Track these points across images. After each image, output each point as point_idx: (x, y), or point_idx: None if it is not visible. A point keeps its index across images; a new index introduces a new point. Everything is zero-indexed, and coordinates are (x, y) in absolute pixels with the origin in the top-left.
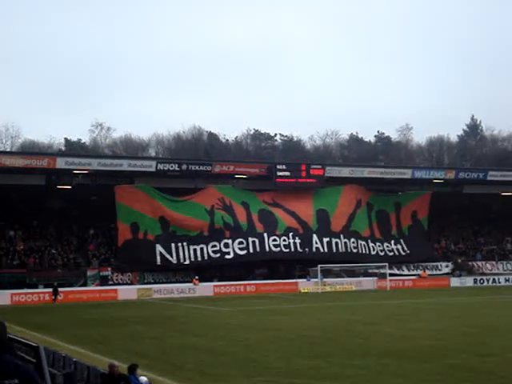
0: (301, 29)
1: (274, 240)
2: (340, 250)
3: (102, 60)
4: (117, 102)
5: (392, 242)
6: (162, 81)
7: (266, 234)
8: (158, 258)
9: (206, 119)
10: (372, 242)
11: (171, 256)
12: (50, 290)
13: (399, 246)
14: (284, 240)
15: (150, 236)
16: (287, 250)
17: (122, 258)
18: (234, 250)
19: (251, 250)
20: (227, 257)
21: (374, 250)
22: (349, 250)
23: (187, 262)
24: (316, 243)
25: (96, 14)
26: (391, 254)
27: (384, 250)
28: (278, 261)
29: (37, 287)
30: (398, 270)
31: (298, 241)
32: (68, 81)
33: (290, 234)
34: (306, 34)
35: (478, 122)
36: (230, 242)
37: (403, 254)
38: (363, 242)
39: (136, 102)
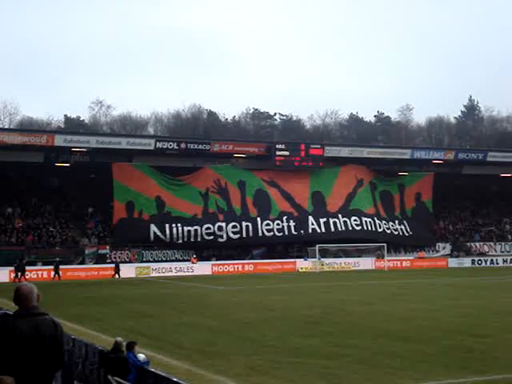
0: (303, 12)
1: (268, 225)
2: (339, 229)
3: (103, 39)
4: (117, 80)
5: (396, 222)
6: (161, 59)
7: (259, 219)
8: (152, 237)
9: (205, 98)
10: (378, 219)
11: (165, 236)
12: (52, 267)
13: (403, 227)
14: (278, 224)
15: (145, 215)
16: (281, 234)
17: (117, 236)
18: (227, 234)
19: (244, 235)
20: (220, 240)
21: (380, 227)
22: (350, 229)
23: (180, 241)
24: (312, 224)
25: None
26: (396, 233)
27: (390, 228)
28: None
29: (35, 264)
30: (395, 252)
31: (292, 224)
32: (67, 59)
33: (284, 218)
34: (306, 17)
35: (476, 102)
36: (223, 225)
37: (407, 235)
38: (368, 219)
39: (136, 80)
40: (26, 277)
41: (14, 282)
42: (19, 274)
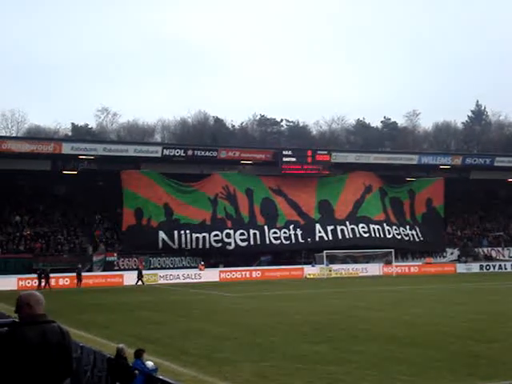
0: (306, 18)
1: (275, 233)
2: (346, 237)
3: (109, 47)
4: (123, 87)
5: (407, 227)
6: (166, 67)
7: (266, 227)
8: (161, 244)
9: (211, 104)
10: (388, 225)
11: (173, 243)
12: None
13: (414, 232)
14: (284, 232)
15: (154, 222)
16: (288, 242)
17: (126, 243)
18: (235, 241)
19: (252, 242)
20: (228, 247)
21: (390, 233)
22: (357, 236)
23: (188, 248)
24: (319, 232)
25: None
26: (407, 238)
27: (400, 233)
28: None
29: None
30: (403, 258)
31: (299, 232)
32: (74, 66)
33: (291, 227)
34: (312, 24)
35: (483, 107)
36: (231, 232)
37: (417, 240)
38: (377, 226)
39: (142, 88)
40: (34, 284)
41: (37, 289)
42: (43, 281)
